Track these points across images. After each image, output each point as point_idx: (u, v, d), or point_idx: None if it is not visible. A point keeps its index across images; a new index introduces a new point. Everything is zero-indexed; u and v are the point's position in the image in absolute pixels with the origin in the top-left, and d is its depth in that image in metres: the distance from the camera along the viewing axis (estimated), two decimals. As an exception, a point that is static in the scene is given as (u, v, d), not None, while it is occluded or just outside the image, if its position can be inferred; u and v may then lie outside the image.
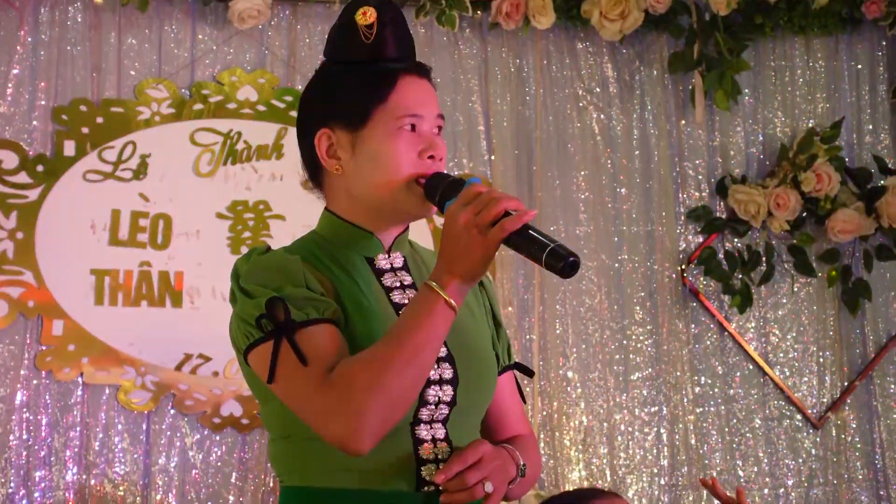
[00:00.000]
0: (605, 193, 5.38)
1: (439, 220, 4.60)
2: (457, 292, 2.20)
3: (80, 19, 5.10)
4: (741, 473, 5.34)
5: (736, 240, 5.43)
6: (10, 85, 5.03)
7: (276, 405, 2.30)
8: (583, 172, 5.38)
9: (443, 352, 2.34)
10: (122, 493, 4.92)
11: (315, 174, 2.44)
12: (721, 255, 5.39)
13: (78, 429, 4.92)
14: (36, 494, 4.86)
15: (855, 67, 5.59)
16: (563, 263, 2.13)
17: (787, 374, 5.43)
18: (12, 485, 4.86)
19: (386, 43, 2.38)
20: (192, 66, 5.16)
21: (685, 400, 5.32)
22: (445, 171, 2.36)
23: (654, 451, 5.30)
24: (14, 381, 4.90)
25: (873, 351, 5.45)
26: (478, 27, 5.36)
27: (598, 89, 5.43)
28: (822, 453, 5.41)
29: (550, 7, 5.15)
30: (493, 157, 5.33)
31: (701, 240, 5.42)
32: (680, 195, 5.45)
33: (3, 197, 4.95)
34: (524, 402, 2.64)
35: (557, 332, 5.28)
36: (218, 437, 5.01)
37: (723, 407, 5.36)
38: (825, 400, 5.44)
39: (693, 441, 5.31)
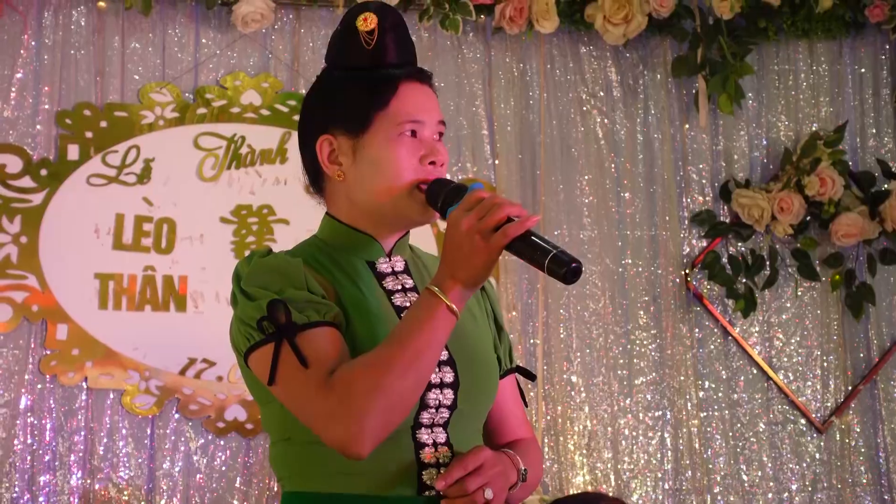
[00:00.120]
0: (608, 198, 5.38)
1: (443, 225, 4.60)
2: (458, 297, 2.20)
3: (83, 23, 5.09)
4: (745, 478, 5.34)
5: (740, 244, 5.43)
6: (13, 89, 5.03)
7: (276, 408, 2.30)
8: (586, 176, 5.38)
9: (444, 355, 2.34)
10: (126, 498, 4.91)
11: (316, 180, 2.45)
12: (725, 260, 5.39)
13: (82, 433, 4.92)
14: (41, 499, 4.86)
15: (858, 71, 5.59)
16: (566, 269, 2.13)
17: (791, 378, 5.43)
18: (17, 489, 4.86)
19: (387, 49, 2.38)
20: (195, 71, 5.16)
21: (689, 404, 5.32)
22: (447, 177, 2.36)
23: (658, 455, 5.30)
24: (18, 385, 4.90)
25: (877, 355, 5.46)
26: (481, 31, 5.37)
27: (601, 93, 5.43)
28: (826, 457, 5.41)
29: (554, 11, 5.16)
30: (496, 162, 5.33)
31: (705, 244, 5.42)
32: (684, 199, 5.45)
33: (7, 201, 4.95)
34: (526, 405, 2.64)
35: (561, 336, 5.28)
36: (222, 442, 5.01)
37: (727, 411, 5.36)
38: (829, 404, 5.44)
39: (697, 445, 5.31)
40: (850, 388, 5.44)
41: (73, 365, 4.91)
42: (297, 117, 2.49)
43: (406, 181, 2.33)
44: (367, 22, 2.38)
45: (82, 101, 5.05)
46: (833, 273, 5.44)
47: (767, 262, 5.39)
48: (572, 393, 5.26)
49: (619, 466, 5.25)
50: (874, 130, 5.57)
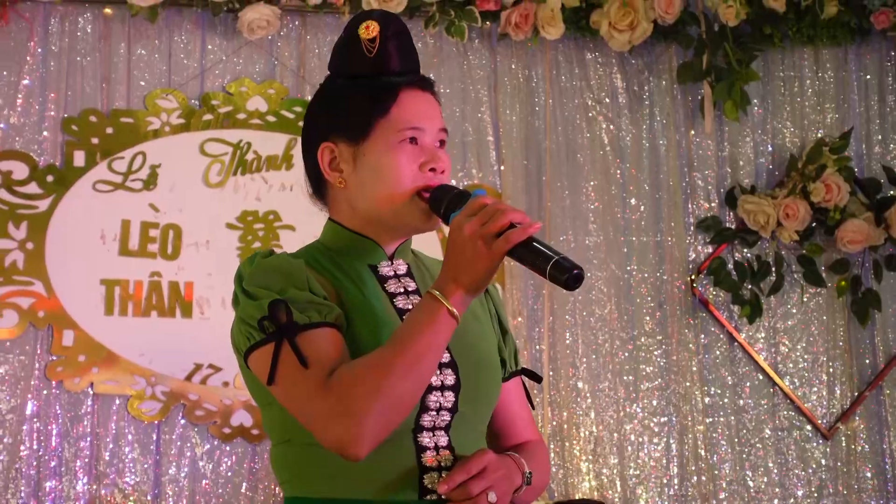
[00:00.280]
0: (614, 204, 5.38)
1: (447, 230, 4.60)
2: (460, 302, 2.20)
3: (89, 30, 5.11)
4: (751, 484, 5.33)
5: (745, 250, 5.43)
6: (20, 96, 5.05)
7: (276, 410, 2.30)
8: (592, 183, 5.38)
9: (445, 357, 2.34)
10: (132, 503, 4.93)
11: (318, 187, 2.45)
12: (730, 266, 5.39)
13: (88, 439, 4.93)
14: (46, 504, 4.88)
15: (864, 78, 5.59)
16: (568, 276, 2.13)
17: (797, 384, 5.43)
18: (23, 495, 4.86)
19: (389, 57, 2.39)
20: (201, 77, 5.17)
21: (695, 410, 5.32)
22: (449, 184, 2.37)
23: (664, 461, 5.29)
24: (25, 391, 4.91)
25: (883, 361, 5.45)
26: (487, 38, 5.37)
27: (607, 100, 5.44)
28: (831, 464, 5.40)
29: (559, 18, 5.16)
30: (502, 168, 5.33)
31: (710, 250, 5.42)
32: (689, 205, 5.45)
33: (14, 207, 4.96)
34: (533, 407, 2.64)
35: (567, 342, 5.28)
36: (228, 448, 5.01)
37: (732, 417, 5.36)
38: (835, 410, 5.43)
39: (703, 451, 5.31)
40: (855, 394, 5.44)
41: (79, 371, 4.93)
42: (302, 124, 2.50)
43: (406, 188, 2.33)
44: (369, 30, 2.39)
45: (88, 107, 5.07)
46: (839, 279, 5.43)
47: (773, 269, 5.39)
48: (578, 399, 5.26)
49: (624, 472, 5.25)
50: (880, 137, 5.56)
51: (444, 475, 2.29)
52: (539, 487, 2.48)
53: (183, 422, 5.00)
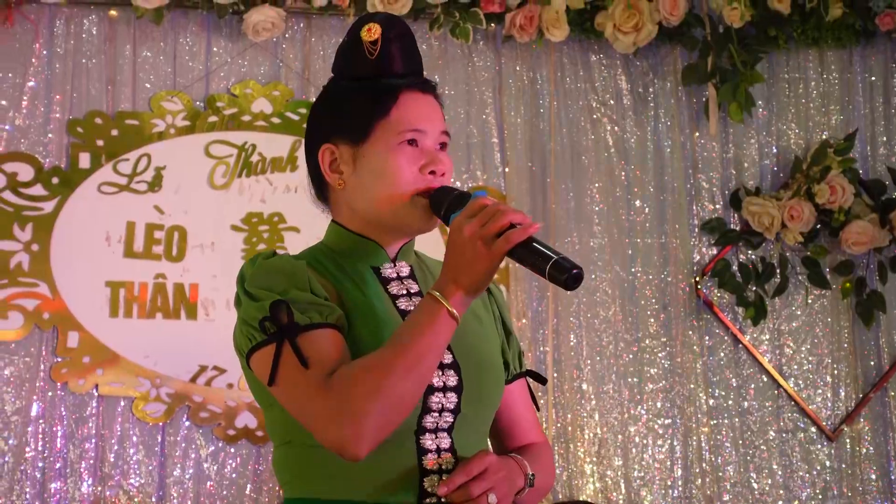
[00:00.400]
0: (619, 205, 5.39)
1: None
2: (460, 303, 2.20)
3: (95, 32, 5.12)
4: (755, 486, 5.33)
5: (750, 252, 5.43)
6: (25, 97, 5.06)
7: (278, 411, 2.30)
8: (597, 184, 5.38)
9: (448, 359, 2.34)
10: (136, 505, 4.93)
11: (321, 189, 2.46)
12: (735, 267, 5.39)
13: (93, 440, 4.93)
14: (51, 506, 4.89)
15: (869, 79, 5.59)
16: (567, 276, 2.13)
17: (802, 386, 5.43)
18: (28, 496, 4.87)
19: (390, 59, 2.39)
20: (206, 79, 5.18)
21: (699, 412, 5.32)
22: (451, 186, 2.37)
23: (668, 463, 5.29)
24: (30, 392, 4.92)
25: (888, 363, 5.45)
26: (492, 40, 5.38)
27: (611, 101, 5.44)
28: (836, 466, 5.40)
29: (564, 20, 5.16)
30: (507, 169, 5.34)
31: (715, 252, 5.42)
32: (694, 207, 5.45)
33: (19, 209, 4.97)
34: (538, 409, 2.64)
35: (571, 343, 5.28)
36: (233, 449, 5.02)
37: (737, 419, 5.36)
38: (840, 412, 5.43)
39: (707, 453, 5.30)
40: (860, 395, 5.43)
41: (83, 372, 4.93)
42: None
43: (405, 190, 2.34)
44: (371, 32, 2.40)
45: (94, 109, 5.07)
46: (843, 281, 5.43)
47: (778, 270, 5.38)
48: (582, 400, 5.26)
49: (629, 474, 5.25)
50: (884, 138, 5.56)
51: (444, 478, 2.29)
52: (543, 489, 2.47)
53: (187, 423, 5.00)
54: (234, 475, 5.01)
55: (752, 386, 5.40)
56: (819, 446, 5.41)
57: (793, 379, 5.42)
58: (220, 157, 5.13)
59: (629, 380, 5.31)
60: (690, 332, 5.36)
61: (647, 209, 5.41)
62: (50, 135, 5.06)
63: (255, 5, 5.03)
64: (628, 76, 5.47)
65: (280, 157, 5.16)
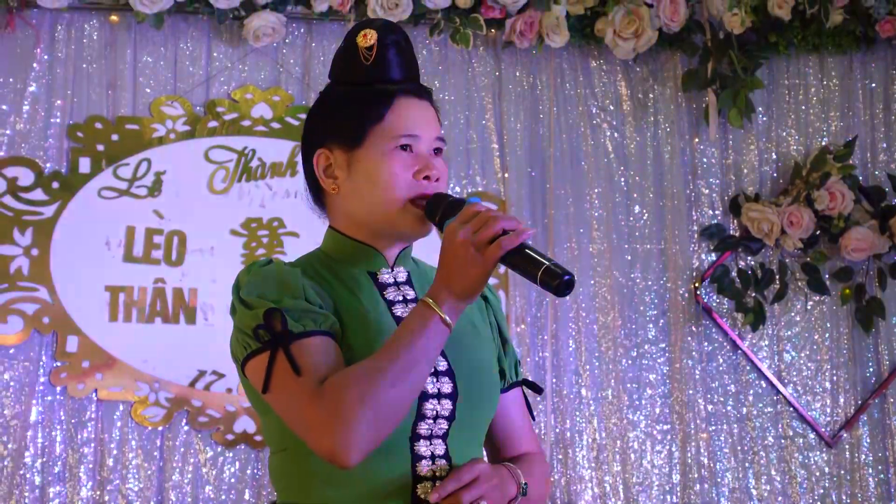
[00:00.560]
0: (618, 211, 5.39)
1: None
2: (453, 309, 2.21)
3: (95, 37, 5.13)
4: (754, 492, 5.33)
5: (749, 258, 5.42)
6: (26, 102, 5.06)
7: (274, 418, 2.30)
8: (596, 190, 5.39)
9: (443, 365, 2.34)
10: (135, 510, 4.94)
11: (317, 194, 2.47)
12: (734, 273, 5.39)
13: (92, 445, 4.94)
14: (50, 510, 4.89)
15: (869, 86, 5.59)
16: (559, 281, 2.13)
17: (801, 392, 5.43)
18: (27, 501, 4.88)
19: (386, 65, 2.40)
20: (206, 84, 5.19)
21: (698, 418, 5.32)
22: (446, 192, 2.37)
23: (667, 469, 5.29)
24: (29, 397, 4.93)
25: (887, 369, 5.44)
26: (492, 45, 5.38)
27: (611, 107, 5.44)
28: (835, 472, 5.40)
29: (564, 26, 5.16)
30: (506, 175, 5.34)
31: (714, 258, 5.42)
32: (693, 213, 5.45)
33: (19, 213, 4.98)
34: (533, 418, 2.64)
35: (570, 349, 5.28)
36: (231, 454, 5.02)
37: (735, 425, 5.36)
38: (839, 418, 5.43)
39: (705, 459, 5.30)
40: (859, 402, 5.43)
41: (83, 377, 4.94)
42: (304, 131, 2.53)
43: (399, 196, 2.34)
44: (367, 38, 2.41)
45: (94, 114, 5.08)
46: (843, 287, 5.43)
47: (777, 276, 5.39)
48: (581, 406, 5.26)
49: (627, 480, 5.25)
50: (884, 145, 5.56)
51: (438, 485, 2.29)
52: (536, 499, 2.47)
53: (186, 428, 5.01)
54: (232, 480, 5.01)
55: (751, 392, 5.39)
56: (818, 453, 5.41)
57: (792, 385, 5.42)
58: (220, 161, 5.14)
59: (628, 385, 5.31)
60: (689, 338, 5.36)
61: (646, 215, 5.41)
62: (50, 139, 5.06)
63: (255, 10, 5.04)
64: (628, 82, 5.47)
65: (280, 163, 5.17)
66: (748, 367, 5.40)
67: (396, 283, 2.42)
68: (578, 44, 5.37)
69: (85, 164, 5.05)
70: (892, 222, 5.36)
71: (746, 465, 5.35)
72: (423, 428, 2.31)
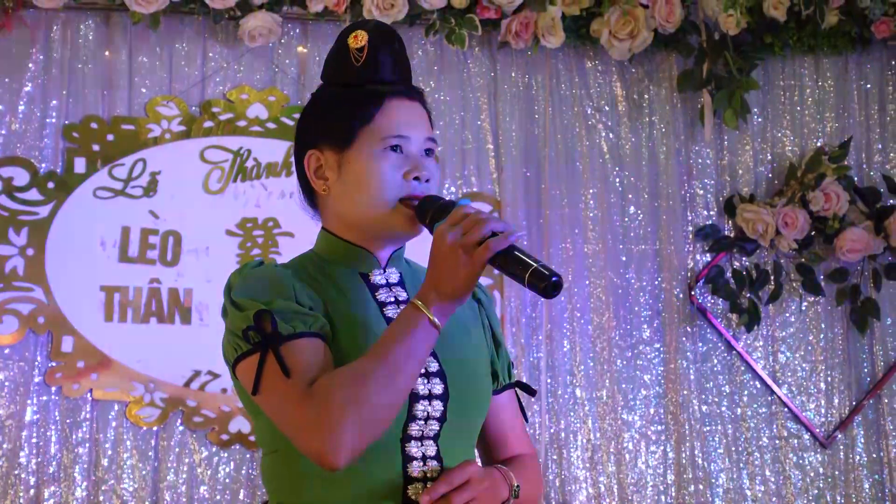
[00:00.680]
0: (613, 212, 5.39)
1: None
2: (441, 311, 2.22)
3: (91, 37, 5.13)
4: (748, 493, 5.33)
5: (744, 258, 5.43)
6: (21, 102, 5.07)
7: (266, 420, 2.31)
8: (591, 191, 5.39)
9: (434, 366, 2.35)
10: (130, 509, 4.94)
11: (310, 195, 2.47)
12: (729, 274, 5.39)
13: (87, 445, 4.94)
14: (45, 510, 4.89)
15: (864, 87, 5.59)
16: (546, 283, 2.14)
17: (795, 392, 5.43)
18: (22, 501, 4.88)
19: (376, 66, 2.41)
20: (202, 84, 5.19)
21: (692, 419, 5.32)
22: (437, 194, 2.38)
23: (661, 469, 5.29)
24: (24, 397, 4.93)
25: (882, 370, 5.45)
26: (487, 46, 5.38)
27: (606, 108, 5.44)
28: (829, 473, 5.40)
29: (560, 26, 5.16)
30: (501, 175, 5.34)
31: (709, 258, 5.42)
32: (688, 214, 5.45)
33: (14, 213, 4.98)
34: (526, 420, 2.64)
35: (565, 349, 5.28)
36: (226, 454, 5.02)
37: (730, 426, 5.36)
38: (833, 419, 5.43)
39: (700, 460, 5.31)
40: (854, 403, 5.43)
41: (78, 377, 4.94)
42: (297, 133, 2.54)
43: (389, 197, 2.34)
44: (358, 39, 2.41)
45: (89, 114, 5.09)
46: (838, 288, 5.43)
47: (772, 277, 5.39)
48: (576, 406, 5.26)
49: (622, 480, 5.25)
50: (880, 146, 5.56)
51: (429, 486, 2.29)
52: (529, 501, 2.47)
53: (181, 428, 5.01)
54: (227, 480, 5.02)
55: (746, 392, 5.40)
56: (812, 453, 5.41)
57: (786, 386, 5.42)
58: (216, 162, 5.14)
59: (623, 386, 5.31)
60: (684, 339, 5.36)
61: (641, 215, 5.41)
62: (46, 139, 5.07)
63: (251, 11, 5.04)
64: (623, 83, 5.47)
65: (275, 163, 5.17)
66: (743, 368, 5.40)
67: (388, 285, 2.42)
68: (574, 44, 5.37)
69: (80, 164, 5.05)
70: (886, 223, 5.36)
71: (741, 465, 5.35)
72: (415, 429, 2.31)
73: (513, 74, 5.39)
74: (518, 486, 2.41)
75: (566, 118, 5.41)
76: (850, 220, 5.37)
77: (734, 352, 5.39)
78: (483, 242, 2.16)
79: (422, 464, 2.32)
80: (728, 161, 5.49)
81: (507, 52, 5.36)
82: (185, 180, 5.11)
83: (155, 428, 4.99)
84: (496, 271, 2.82)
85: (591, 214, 5.37)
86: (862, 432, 5.43)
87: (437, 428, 2.34)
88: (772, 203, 5.36)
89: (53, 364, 4.94)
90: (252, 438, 4.98)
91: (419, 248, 2.49)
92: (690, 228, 5.44)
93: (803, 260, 5.41)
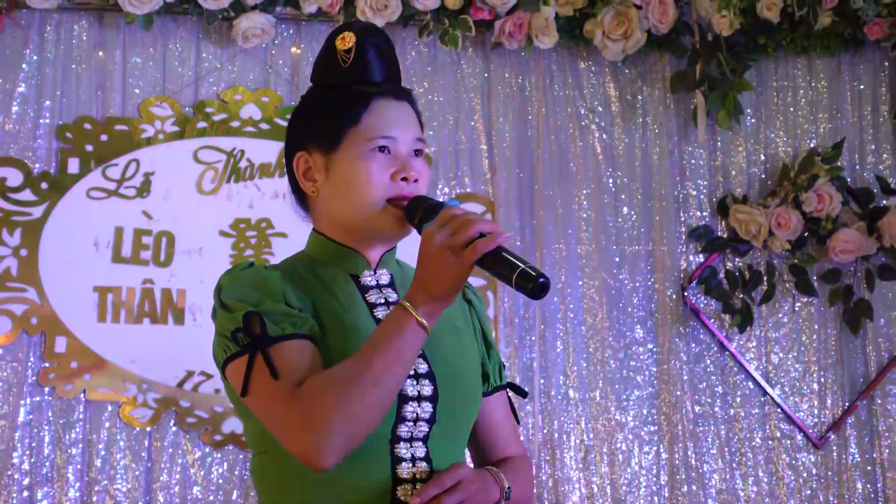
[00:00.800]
0: (606, 212, 5.39)
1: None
2: (430, 312, 2.21)
3: (84, 37, 5.13)
4: (741, 493, 5.33)
5: (737, 259, 5.43)
6: (15, 103, 5.06)
7: (255, 421, 2.31)
8: (584, 191, 5.39)
9: (423, 368, 2.35)
10: (123, 510, 4.94)
11: (301, 197, 2.48)
12: (722, 275, 5.40)
13: (80, 445, 4.94)
14: (38, 511, 4.89)
15: (857, 88, 5.59)
16: (533, 284, 2.14)
17: (788, 393, 5.43)
18: (15, 502, 4.87)
19: (364, 67, 2.41)
20: (195, 85, 5.19)
21: (685, 419, 5.32)
22: (426, 195, 2.38)
23: (655, 470, 5.30)
24: (17, 397, 4.93)
25: (875, 371, 5.45)
26: (481, 47, 5.38)
27: (600, 108, 5.44)
28: (822, 473, 5.40)
29: (553, 27, 5.17)
30: (495, 176, 5.34)
31: (702, 259, 5.43)
32: (681, 214, 5.45)
33: (7, 214, 4.98)
34: (518, 422, 2.64)
35: (558, 350, 5.28)
36: (219, 455, 5.02)
37: (723, 426, 5.36)
38: (826, 420, 5.43)
39: (693, 461, 5.31)
40: (847, 403, 5.44)
41: (71, 377, 4.94)
42: (287, 135, 2.54)
43: (377, 197, 2.35)
44: (346, 41, 2.42)
45: (83, 114, 5.08)
46: (831, 289, 5.43)
47: (765, 278, 5.39)
48: (569, 407, 5.26)
49: (615, 481, 5.25)
50: (873, 147, 5.56)
51: (418, 487, 2.30)
52: (520, 503, 2.47)
53: (174, 429, 5.01)
54: (220, 480, 5.01)
55: (739, 393, 5.40)
56: (805, 454, 5.41)
57: (779, 386, 5.43)
58: (209, 162, 5.14)
59: (616, 386, 5.31)
60: (677, 339, 5.36)
61: (634, 216, 5.41)
62: (39, 140, 5.06)
63: (244, 11, 5.04)
64: (617, 83, 5.47)
65: (268, 163, 5.17)
66: (736, 369, 5.41)
67: (379, 286, 2.43)
68: (567, 45, 5.38)
69: (74, 165, 5.05)
70: (879, 224, 5.36)
71: (734, 466, 5.35)
72: (404, 430, 2.32)
73: (506, 75, 5.40)
74: (509, 487, 2.41)
75: (559, 119, 5.41)
76: (843, 221, 5.38)
77: (727, 352, 5.39)
78: (471, 243, 2.16)
79: (411, 465, 2.32)
80: (721, 162, 5.49)
81: (501, 53, 5.36)
82: (178, 181, 5.11)
83: (148, 428, 4.99)
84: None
85: (585, 215, 5.37)
86: (855, 433, 5.44)
87: (427, 429, 2.34)
88: (765, 204, 5.36)
89: (47, 365, 4.94)
90: (246, 439, 4.98)
91: (410, 250, 2.49)
92: (683, 229, 5.44)
93: (796, 261, 5.41)
